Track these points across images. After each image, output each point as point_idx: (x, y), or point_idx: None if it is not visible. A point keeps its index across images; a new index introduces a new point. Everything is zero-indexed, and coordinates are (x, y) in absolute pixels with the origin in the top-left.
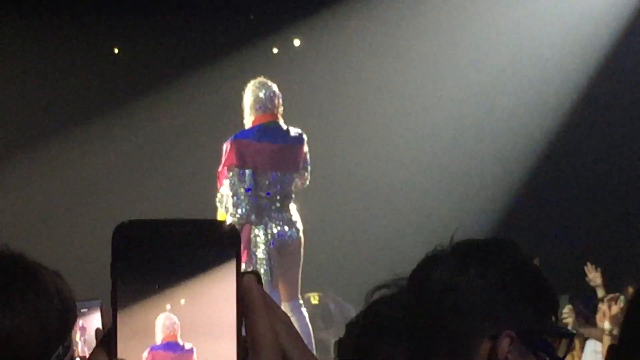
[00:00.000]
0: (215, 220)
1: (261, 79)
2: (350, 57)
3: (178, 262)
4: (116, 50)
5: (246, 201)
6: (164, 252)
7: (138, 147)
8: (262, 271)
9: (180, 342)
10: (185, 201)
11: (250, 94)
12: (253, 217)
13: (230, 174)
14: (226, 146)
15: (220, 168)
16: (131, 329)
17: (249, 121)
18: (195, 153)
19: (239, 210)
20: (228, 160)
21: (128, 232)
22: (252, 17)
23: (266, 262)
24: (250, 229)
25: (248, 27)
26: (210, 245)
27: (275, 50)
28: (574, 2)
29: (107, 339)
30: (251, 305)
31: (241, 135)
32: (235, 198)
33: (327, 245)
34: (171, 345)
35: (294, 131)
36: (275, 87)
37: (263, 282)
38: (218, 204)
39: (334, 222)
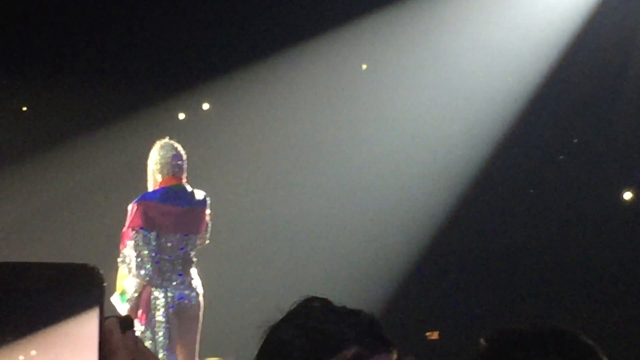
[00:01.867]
0: (79, 265)
1: (167, 140)
2: (259, 120)
3: (38, 308)
4: (24, 108)
5: (149, 263)
6: (24, 296)
7: (40, 205)
8: (160, 334)
9: None
10: (88, 261)
11: (156, 155)
12: (155, 279)
13: (135, 235)
14: (132, 207)
15: (124, 229)
16: None
17: (154, 182)
18: (98, 213)
19: (142, 272)
20: (133, 221)
21: None
22: (161, 80)
23: (165, 325)
24: (151, 291)
25: (157, 89)
26: (74, 289)
27: (181, 116)
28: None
29: None
30: (111, 349)
31: (147, 197)
32: (139, 259)
33: (228, 309)
34: None
35: (198, 194)
36: (181, 150)
37: (161, 345)
38: (120, 265)
39: (235, 286)
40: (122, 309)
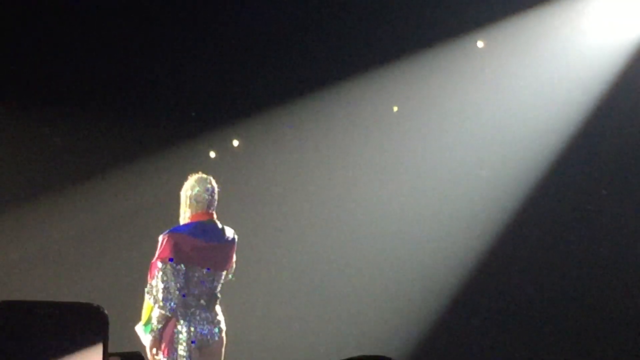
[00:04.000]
0: (85, 304)
1: (202, 175)
2: (288, 159)
3: (47, 344)
4: (57, 140)
5: (175, 295)
6: (34, 332)
7: (69, 237)
8: None
9: None
10: (115, 290)
11: (190, 189)
12: (180, 312)
13: (163, 266)
14: (162, 239)
15: (153, 259)
16: None
17: (185, 216)
18: (127, 245)
19: (168, 304)
20: (163, 252)
21: (2, 311)
22: (193, 114)
23: (186, 359)
24: (175, 324)
25: (188, 125)
26: (80, 328)
27: (212, 155)
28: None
29: None
30: None
31: (178, 230)
32: (165, 292)
33: (249, 346)
34: None
35: (228, 231)
36: (215, 185)
37: None
38: (146, 295)
39: (257, 324)
40: (145, 339)
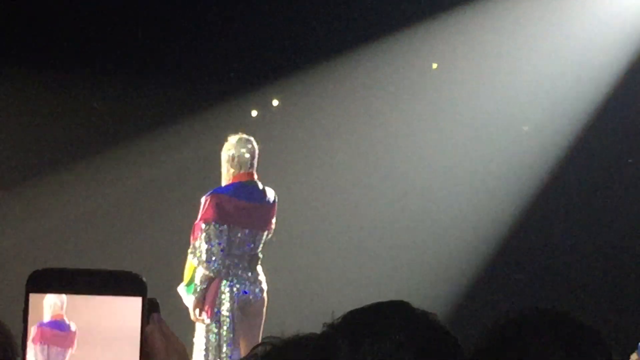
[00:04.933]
0: (123, 272)
1: (243, 135)
2: (328, 118)
3: (86, 310)
4: (95, 105)
5: (219, 256)
6: (77, 298)
7: (114, 198)
8: (224, 328)
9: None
10: (159, 252)
11: (231, 150)
12: (222, 273)
13: (207, 227)
14: (205, 200)
15: (197, 221)
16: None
17: (227, 176)
18: (171, 206)
19: (212, 265)
20: (206, 213)
21: (41, 279)
22: (232, 75)
23: (229, 320)
24: (218, 285)
25: (227, 85)
26: (118, 294)
27: (254, 113)
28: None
29: None
30: (153, 350)
31: (220, 191)
32: (209, 252)
33: (291, 306)
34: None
35: (269, 192)
36: (256, 145)
37: (225, 339)
38: (190, 255)
39: (299, 284)
40: (188, 300)
